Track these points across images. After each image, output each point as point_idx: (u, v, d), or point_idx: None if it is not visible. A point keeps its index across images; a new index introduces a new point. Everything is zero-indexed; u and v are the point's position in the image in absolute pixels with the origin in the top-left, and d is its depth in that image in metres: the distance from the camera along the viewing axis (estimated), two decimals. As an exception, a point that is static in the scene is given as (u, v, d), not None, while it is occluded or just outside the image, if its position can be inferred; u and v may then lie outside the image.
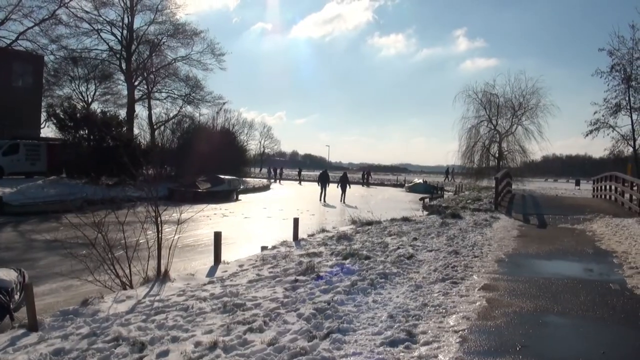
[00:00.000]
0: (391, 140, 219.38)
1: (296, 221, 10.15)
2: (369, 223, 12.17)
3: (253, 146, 75.30)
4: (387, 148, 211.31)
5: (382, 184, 51.15)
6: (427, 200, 24.16)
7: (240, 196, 27.35)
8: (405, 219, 13.19)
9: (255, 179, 44.06)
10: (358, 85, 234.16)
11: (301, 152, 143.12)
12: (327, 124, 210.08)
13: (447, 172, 45.06)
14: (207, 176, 26.17)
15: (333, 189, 27.84)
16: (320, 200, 25.48)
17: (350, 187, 27.57)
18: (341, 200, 25.43)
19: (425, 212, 17.29)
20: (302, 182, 49.93)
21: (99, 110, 31.33)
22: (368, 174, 50.90)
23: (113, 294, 5.70)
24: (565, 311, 5.15)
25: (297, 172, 53.93)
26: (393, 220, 13.05)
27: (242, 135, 61.05)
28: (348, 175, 28.85)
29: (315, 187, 28.38)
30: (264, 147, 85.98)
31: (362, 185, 46.38)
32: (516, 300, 5.50)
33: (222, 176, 26.58)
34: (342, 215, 17.03)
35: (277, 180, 49.96)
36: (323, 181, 26.69)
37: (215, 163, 30.43)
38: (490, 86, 36.59)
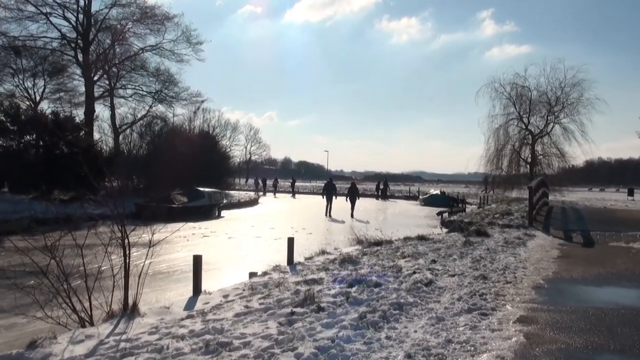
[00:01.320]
0: (401, 144, 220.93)
1: (291, 241, 10.13)
2: (378, 243, 12.26)
3: (238, 152, 76.34)
4: (396, 153, 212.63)
5: (392, 196, 51.26)
6: (445, 215, 24.19)
7: (224, 212, 27.38)
8: (421, 238, 13.31)
9: (240, 192, 44.07)
10: (363, 80, 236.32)
11: (295, 158, 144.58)
12: (326, 126, 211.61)
13: (486, 181, 44.68)
14: (183, 189, 26.14)
15: (340, 202, 27.84)
16: (326, 214, 25.51)
17: (359, 198, 27.71)
18: (351, 215, 25.45)
19: (445, 229, 17.30)
20: (297, 195, 49.95)
21: (49, 111, 31.38)
22: (385, 185, 50.50)
23: (69, 332, 5.60)
24: (624, 349, 5.10)
25: (290, 183, 53.92)
26: (406, 239, 13.18)
27: (225, 140, 61.92)
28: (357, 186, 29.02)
29: (312, 201, 28.47)
30: (250, 153, 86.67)
31: (377, 199, 46.33)
32: (561, 335, 5.45)
33: (202, 189, 26.57)
34: (346, 233, 16.96)
35: (266, 193, 49.90)
36: (329, 193, 26.68)
37: (193, 173, 30.51)
38: (520, 78, 36.82)
